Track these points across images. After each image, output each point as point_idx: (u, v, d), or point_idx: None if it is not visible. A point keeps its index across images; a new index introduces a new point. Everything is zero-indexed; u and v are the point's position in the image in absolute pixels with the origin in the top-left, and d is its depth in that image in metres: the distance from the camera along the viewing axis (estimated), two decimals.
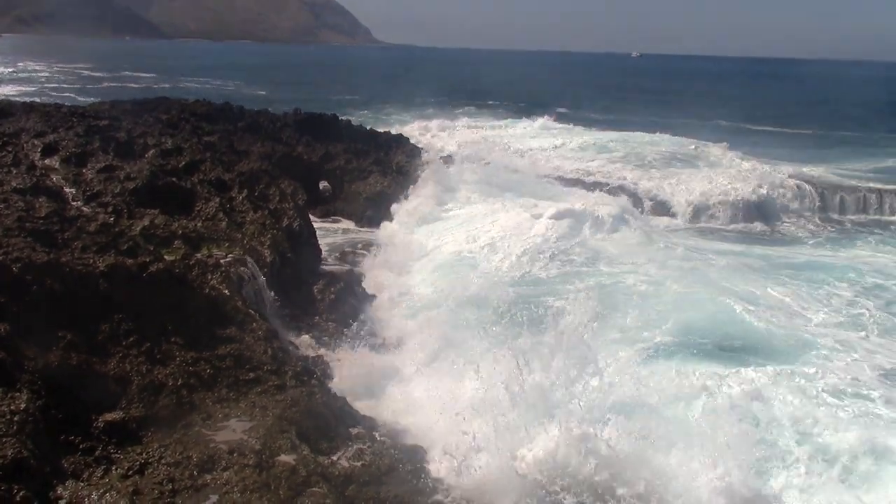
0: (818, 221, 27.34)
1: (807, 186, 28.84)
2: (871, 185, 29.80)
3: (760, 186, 27.90)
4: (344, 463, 8.35)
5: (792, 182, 29.13)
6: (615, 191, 27.22)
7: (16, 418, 7.09)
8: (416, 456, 8.90)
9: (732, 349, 13.14)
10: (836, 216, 28.10)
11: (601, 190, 26.67)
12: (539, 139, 37.67)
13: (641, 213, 26.33)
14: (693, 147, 34.28)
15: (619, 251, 19.20)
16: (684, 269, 17.57)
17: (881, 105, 74.70)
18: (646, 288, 16.15)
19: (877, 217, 27.95)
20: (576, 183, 28.66)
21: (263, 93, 51.88)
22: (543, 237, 19.56)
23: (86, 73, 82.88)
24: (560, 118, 47.01)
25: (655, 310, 14.64)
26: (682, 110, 59.89)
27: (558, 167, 31.13)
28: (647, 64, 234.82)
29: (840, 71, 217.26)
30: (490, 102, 61.51)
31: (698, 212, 26.89)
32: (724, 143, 34.82)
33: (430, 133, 39.15)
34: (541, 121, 45.12)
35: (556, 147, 34.76)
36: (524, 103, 59.88)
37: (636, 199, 27.38)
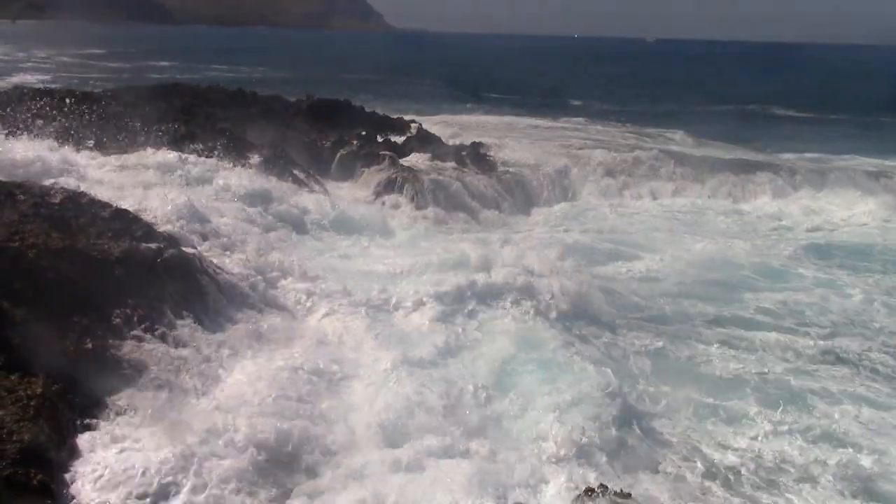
0: None
1: None
2: None
3: None
4: None
5: None
6: None
7: (32, 403, 7.14)
8: None
9: None
10: None
11: None
12: None
13: None
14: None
15: None
16: None
17: None
18: None
19: None
20: None
21: (287, 76, 51.31)
22: None
23: (99, 59, 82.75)
24: (592, 116, 41.76)
25: None
26: (713, 96, 59.54)
27: None
28: (664, 49, 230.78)
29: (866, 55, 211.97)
30: (494, 96, 56.18)
31: None
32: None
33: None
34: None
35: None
36: (535, 97, 56.25)
37: None
